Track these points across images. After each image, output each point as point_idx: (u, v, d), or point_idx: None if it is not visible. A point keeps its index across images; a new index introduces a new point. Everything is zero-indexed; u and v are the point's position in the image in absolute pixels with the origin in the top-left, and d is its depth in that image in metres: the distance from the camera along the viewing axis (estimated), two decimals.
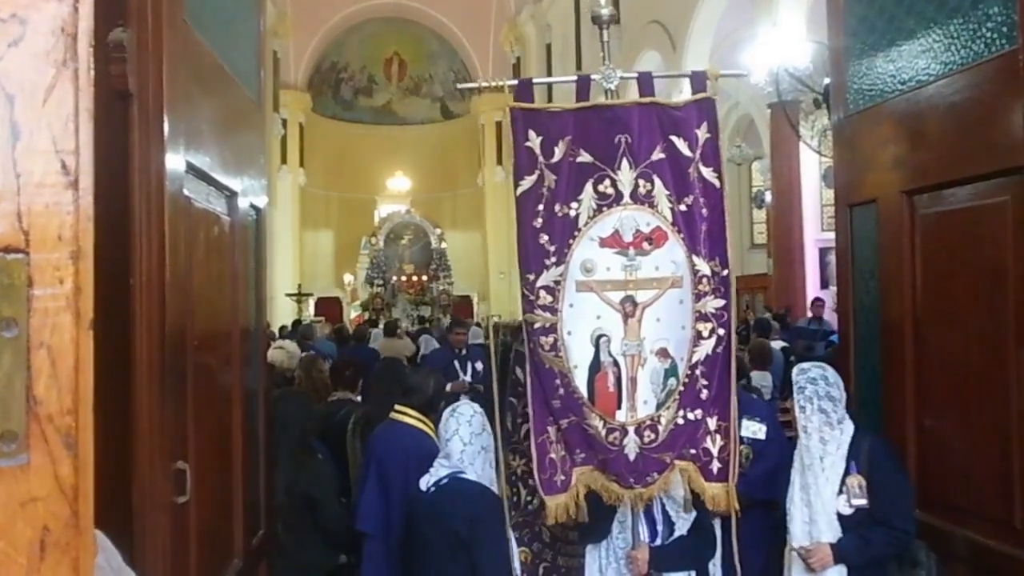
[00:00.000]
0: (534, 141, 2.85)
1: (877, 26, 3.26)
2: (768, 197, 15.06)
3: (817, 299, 11.23)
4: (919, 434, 3.08)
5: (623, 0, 14.79)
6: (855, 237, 3.48)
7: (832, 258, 9.81)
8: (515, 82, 3.06)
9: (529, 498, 3.71)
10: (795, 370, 3.12)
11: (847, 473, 2.92)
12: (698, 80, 2.99)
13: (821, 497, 2.93)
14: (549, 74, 20.47)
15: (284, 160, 25.85)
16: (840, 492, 2.92)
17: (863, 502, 2.89)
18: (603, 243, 2.87)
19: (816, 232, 14.42)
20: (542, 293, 2.86)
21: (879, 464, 2.93)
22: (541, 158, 2.85)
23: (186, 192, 2.24)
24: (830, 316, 11.00)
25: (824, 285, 13.82)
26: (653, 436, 2.86)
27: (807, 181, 13.28)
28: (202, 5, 2.45)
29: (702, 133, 2.89)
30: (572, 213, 2.86)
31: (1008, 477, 2.61)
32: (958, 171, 2.83)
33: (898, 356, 3.16)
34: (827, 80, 5.26)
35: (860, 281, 3.45)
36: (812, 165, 13.69)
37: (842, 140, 3.61)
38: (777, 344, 8.03)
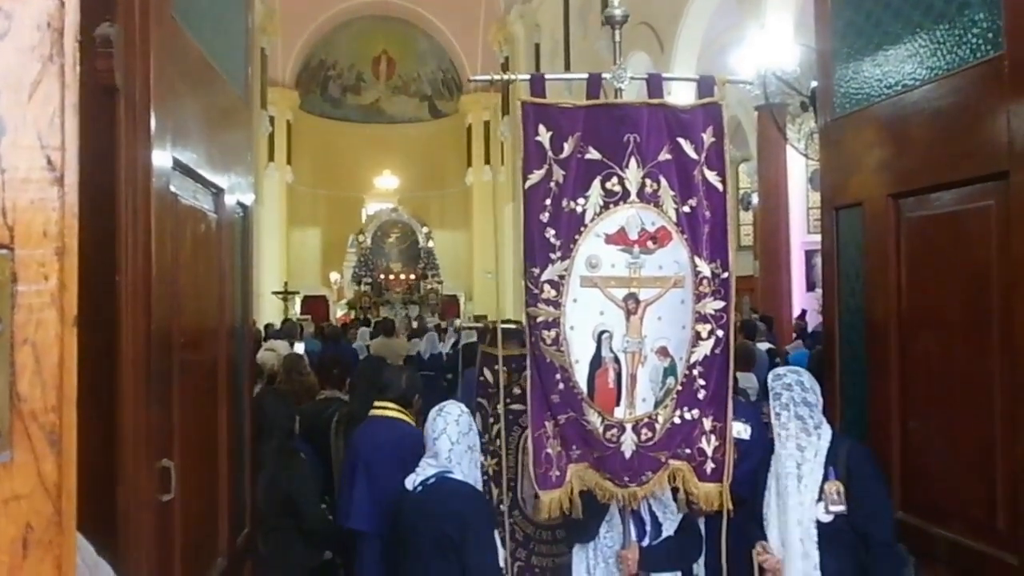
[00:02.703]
0: (544, 136, 2.86)
1: (864, 30, 3.28)
2: (755, 199, 15.11)
3: (801, 313, 11.43)
4: (903, 436, 3.10)
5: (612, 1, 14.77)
6: (841, 240, 3.49)
7: (818, 260, 9.85)
8: (527, 76, 3.07)
9: (501, 497, 3.71)
10: (770, 376, 3.12)
11: (825, 479, 2.92)
12: (706, 85, 3.01)
13: (789, 504, 2.92)
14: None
15: (271, 157, 25.77)
16: (819, 499, 2.92)
17: (841, 508, 2.88)
18: (609, 240, 2.88)
19: (802, 234, 14.49)
20: (546, 287, 2.87)
21: (858, 470, 2.93)
22: (550, 153, 2.86)
23: (172, 189, 2.22)
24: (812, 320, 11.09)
25: (810, 287, 13.90)
26: (650, 434, 2.87)
27: (793, 184, 13.32)
28: (190, 1, 2.43)
29: (708, 137, 2.92)
30: (579, 209, 2.88)
31: (991, 478, 2.63)
32: (943, 175, 2.85)
33: (883, 358, 3.17)
34: (814, 83, 5.29)
35: (846, 283, 3.47)
36: (799, 168, 13.75)
37: (828, 143, 3.62)
38: (763, 346, 8.06)
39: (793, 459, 2.95)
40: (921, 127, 2.96)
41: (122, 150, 1.97)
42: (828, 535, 2.89)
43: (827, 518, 2.89)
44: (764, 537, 3.04)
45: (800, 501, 2.93)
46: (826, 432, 3.00)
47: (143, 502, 2.01)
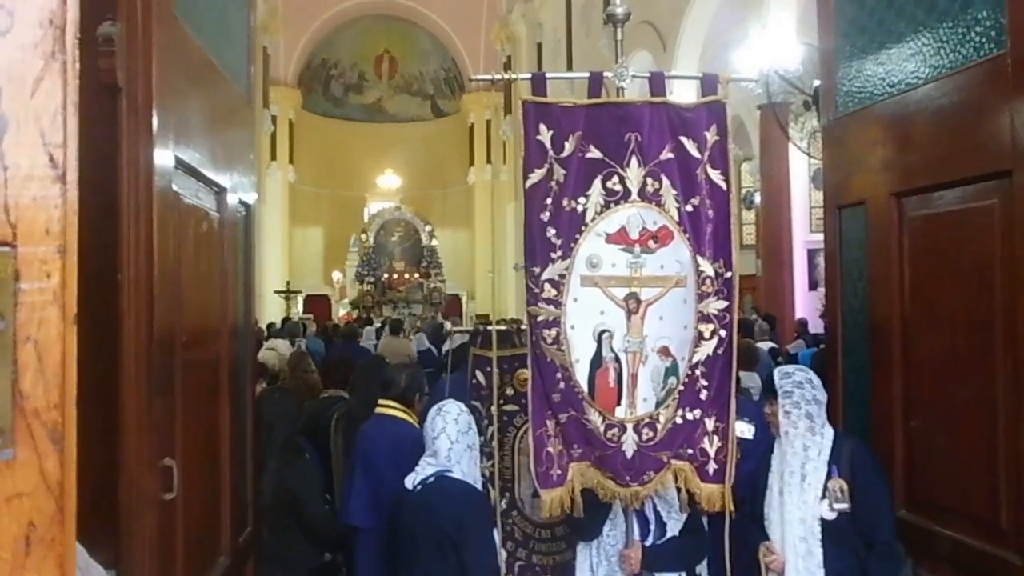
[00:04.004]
0: (545, 135, 2.86)
1: (867, 29, 3.28)
2: (757, 198, 15.10)
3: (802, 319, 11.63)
4: (906, 434, 3.09)
5: None
6: (844, 239, 3.48)
7: (821, 260, 9.84)
8: (528, 76, 3.08)
9: (499, 498, 3.72)
10: (777, 373, 3.11)
11: (828, 477, 2.92)
12: (709, 83, 3.00)
13: (792, 502, 2.92)
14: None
15: (274, 157, 25.80)
16: (823, 497, 2.92)
17: (845, 506, 2.88)
18: (610, 239, 2.88)
19: (805, 233, 14.45)
20: (547, 286, 2.86)
21: (861, 468, 2.94)
22: (551, 152, 2.86)
23: (175, 188, 2.22)
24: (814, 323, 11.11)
25: (812, 287, 13.86)
26: (651, 434, 2.87)
27: (796, 183, 13.30)
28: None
29: (711, 135, 2.91)
30: (580, 208, 2.87)
31: (994, 477, 2.62)
32: (946, 174, 2.84)
33: (886, 357, 3.17)
34: (817, 82, 5.29)
35: (848, 283, 3.46)
36: (801, 167, 13.72)
37: (831, 142, 3.62)
38: (765, 345, 8.05)
39: (798, 458, 2.95)
40: (924, 126, 2.95)
41: (124, 149, 1.97)
42: (831, 533, 2.89)
43: (831, 516, 2.89)
44: (766, 537, 3.04)
45: (804, 499, 2.92)
46: (828, 431, 3.00)
47: (145, 501, 2.01)
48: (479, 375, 3.82)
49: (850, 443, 3.02)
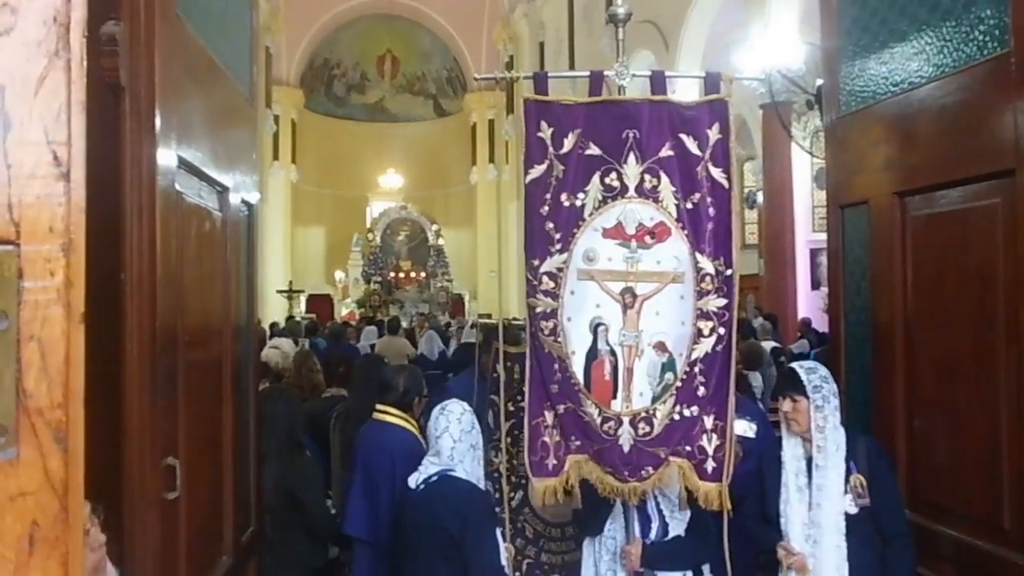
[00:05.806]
0: (545, 132, 2.92)
1: (870, 28, 3.27)
2: (760, 198, 15.08)
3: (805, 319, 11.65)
4: (908, 434, 3.09)
5: None
6: (847, 238, 3.48)
7: (823, 259, 9.84)
8: (531, 74, 3.15)
9: (512, 495, 3.71)
10: (802, 370, 3.06)
11: (848, 472, 2.93)
12: (712, 82, 3.02)
13: (830, 498, 2.92)
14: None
15: (276, 156, 25.79)
16: (845, 492, 2.93)
17: (866, 501, 2.90)
18: (606, 234, 2.92)
19: (807, 233, 14.44)
20: (545, 279, 2.93)
21: (878, 465, 2.95)
22: (551, 148, 2.92)
23: (178, 187, 2.22)
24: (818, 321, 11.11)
25: (815, 286, 13.85)
26: (648, 429, 2.88)
27: (799, 182, 13.28)
28: None
29: (713, 133, 2.94)
30: (578, 203, 2.93)
31: (996, 478, 2.62)
32: (949, 173, 2.84)
33: (888, 357, 3.17)
34: (819, 81, 5.28)
35: (851, 282, 3.46)
36: (804, 166, 13.70)
37: (834, 141, 3.62)
38: (768, 345, 8.05)
39: (825, 453, 2.94)
40: (927, 125, 2.95)
41: (127, 148, 1.97)
42: (852, 527, 2.90)
43: (854, 510, 2.90)
44: (779, 537, 3.02)
45: (829, 495, 2.93)
46: (841, 427, 3.00)
47: (148, 500, 2.01)
48: (498, 368, 3.81)
49: (864, 440, 3.02)
